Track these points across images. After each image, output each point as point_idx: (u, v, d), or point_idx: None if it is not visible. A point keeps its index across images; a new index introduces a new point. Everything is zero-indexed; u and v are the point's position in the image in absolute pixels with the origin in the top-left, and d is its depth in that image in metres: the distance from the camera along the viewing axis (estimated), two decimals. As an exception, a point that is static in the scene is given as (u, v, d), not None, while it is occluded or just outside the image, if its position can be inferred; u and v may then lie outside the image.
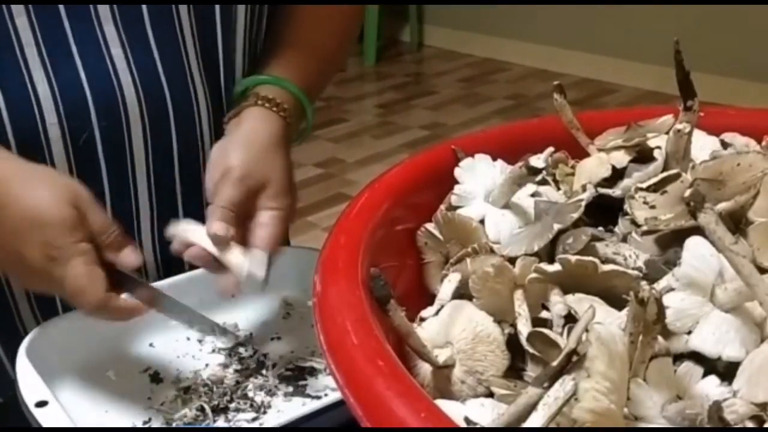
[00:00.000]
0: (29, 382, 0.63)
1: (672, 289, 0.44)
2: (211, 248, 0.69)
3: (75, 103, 0.75)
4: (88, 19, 0.74)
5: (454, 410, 0.43)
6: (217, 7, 0.80)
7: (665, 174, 0.53)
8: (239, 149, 0.74)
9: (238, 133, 0.76)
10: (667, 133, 0.56)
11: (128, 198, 0.81)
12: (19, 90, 0.73)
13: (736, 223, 0.50)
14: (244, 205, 0.71)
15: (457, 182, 0.59)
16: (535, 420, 0.37)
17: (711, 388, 0.42)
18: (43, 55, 0.73)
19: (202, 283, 0.77)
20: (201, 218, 0.88)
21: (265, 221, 0.71)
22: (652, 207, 0.52)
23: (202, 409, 0.67)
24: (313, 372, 0.73)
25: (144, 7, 0.75)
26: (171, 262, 0.83)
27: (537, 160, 0.53)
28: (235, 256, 0.69)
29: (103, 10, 0.74)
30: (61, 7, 0.73)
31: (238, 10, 0.82)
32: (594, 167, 0.57)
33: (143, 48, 0.76)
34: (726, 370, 0.42)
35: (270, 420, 0.67)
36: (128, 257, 0.67)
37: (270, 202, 0.72)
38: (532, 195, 0.58)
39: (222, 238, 0.69)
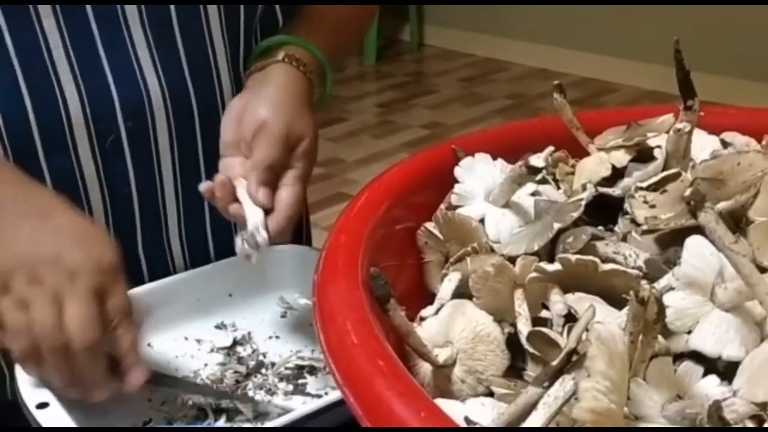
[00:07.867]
0: (30, 383, 0.63)
1: (672, 289, 0.44)
2: (246, 209, 0.69)
3: (101, 104, 0.75)
4: (115, 21, 0.74)
5: (454, 410, 0.43)
6: (242, 8, 0.80)
7: (665, 173, 0.53)
8: (274, 105, 0.73)
9: (267, 88, 0.75)
10: (667, 132, 0.56)
11: (155, 197, 0.81)
12: (46, 91, 0.73)
13: (737, 222, 0.50)
14: (281, 163, 0.71)
15: (457, 182, 0.59)
16: (535, 419, 0.37)
17: (711, 387, 0.42)
18: (71, 57, 0.73)
19: (200, 283, 0.77)
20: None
21: (289, 182, 0.71)
22: (652, 206, 0.52)
23: (202, 409, 0.67)
24: (312, 371, 0.72)
25: (172, 9, 0.75)
26: (198, 260, 0.84)
27: (537, 160, 0.53)
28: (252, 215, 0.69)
29: (131, 11, 0.74)
30: (89, 9, 0.73)
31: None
32: (594, 166, 0.57)
33: (170, 50, 0.77)
34: (726, 370, 0.42)
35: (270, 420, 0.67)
36: (137, 377, 0.63)
37: (297, 161, 0.72)
38: (532, 194, 0.58)
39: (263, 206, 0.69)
